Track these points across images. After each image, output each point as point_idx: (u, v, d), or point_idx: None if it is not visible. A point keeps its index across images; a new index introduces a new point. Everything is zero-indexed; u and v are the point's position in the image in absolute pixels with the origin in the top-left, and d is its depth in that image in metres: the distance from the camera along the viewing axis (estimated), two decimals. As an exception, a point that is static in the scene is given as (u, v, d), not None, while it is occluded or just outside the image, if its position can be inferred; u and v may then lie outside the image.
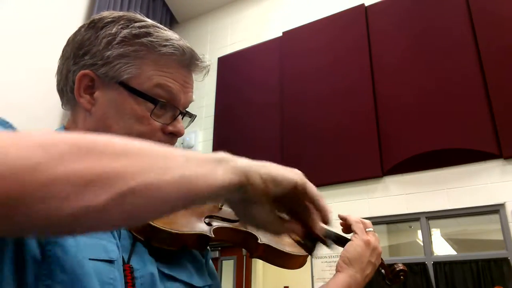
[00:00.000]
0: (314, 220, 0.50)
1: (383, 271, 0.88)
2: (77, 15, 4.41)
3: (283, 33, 4.97)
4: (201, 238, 0.65)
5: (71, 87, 0.66)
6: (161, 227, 0.61)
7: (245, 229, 0.71)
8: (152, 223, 0.61)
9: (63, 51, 0.69)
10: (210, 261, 0.77)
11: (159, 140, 0.65)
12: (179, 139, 0.70)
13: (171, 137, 0.68)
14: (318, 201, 0.49)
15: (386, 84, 4.07)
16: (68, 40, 0.70)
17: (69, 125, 0.69)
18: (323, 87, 4.37)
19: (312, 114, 4.33)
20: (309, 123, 4.30)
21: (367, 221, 0.85)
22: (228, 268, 4.54)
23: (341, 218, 0.86)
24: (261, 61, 4.92)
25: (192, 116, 0.74)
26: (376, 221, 3.83)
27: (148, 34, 0.65)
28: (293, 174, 0.47)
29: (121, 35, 0.64)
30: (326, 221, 0.51)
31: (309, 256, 0.79)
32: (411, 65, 3.98)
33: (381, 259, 0.85)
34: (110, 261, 0.54)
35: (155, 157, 0.37)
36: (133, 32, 0.65)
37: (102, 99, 0.64)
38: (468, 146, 3.49)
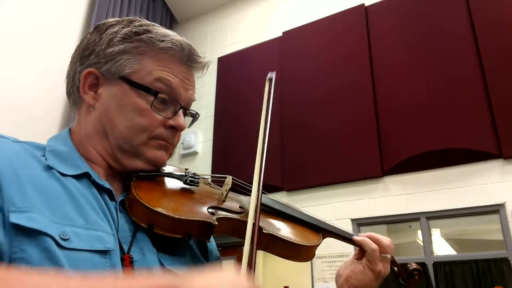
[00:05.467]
0: None
1: (396, 269, 0.87)
2: (77, 15, 4.41)
3: (283, 33, 4.98)
4: (204, 225, 0.65)
5: (77, 86, 0.69)
6: (164, 212, 0.61)
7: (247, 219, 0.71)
8: (155, 208, 0.61)
9: (71, 57, 0.73)
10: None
11: (160, 134, 0.68)
12: (179, 141, 0.72)
13: (172, 131, 0.69)
14: None
15: (386, 84, 4.07)
16: (76, 47, 0.73)
17: (74, 127, 0.72)
18: (323, 87, 4.37)
19: (312, 114, 4.33)
20: (309, 123, 4.30)
21: (386, 243, 0.82)
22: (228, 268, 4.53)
23: (357, 242, 0.83)
24: (261, 61, 4.91)
25: (194, 116, 0.76)
26: (376, 221, 3.84)
27: (147, 31, 0.68)
28: None
29: (122, 33, 0.67)
30: None
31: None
32: (411, 65, 3.98)
33: (393, 258, 0.84)
34: (105, 252, 0.55)
35: None
36: (133, 30, 0.68)
37: (105, 94, 0.67)
38: (468, 146, 3.49)
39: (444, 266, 3.46)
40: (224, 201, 0.75)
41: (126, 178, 0.69)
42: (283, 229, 0.77)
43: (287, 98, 4.53)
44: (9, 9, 3.60)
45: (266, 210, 0.80)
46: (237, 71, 5.06)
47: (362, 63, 4.25)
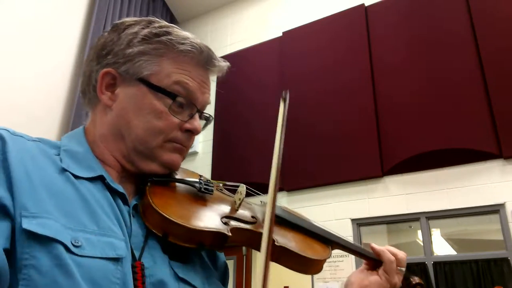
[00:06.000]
0: None
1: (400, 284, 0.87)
2: (77, 15, 4.40)
3: (283, 33, 4.98)
4: (218, 236, 0.65)
5: (94, 85, 0.68)
6: (179, 222, 0.61)
7: (261, 231, 0.70)
8: (171, 218, 0.61)
9: (87, 55, 0.72)
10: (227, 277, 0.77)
11: (176, 137, 0.67)
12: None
13: (188, 134, 0.69)
14: None
15: (386, 84, 4.07)
16: (92, 45, 0.73)
17: (88, 126, 0.71)
18: (323, 87, 4.37)
19: (312, 114, 4.33)
20: (309, 123, 4.30)
21: (402, 257, 0.83)
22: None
23: (375, 250, 0.85)
24: (261, 61, 4.92)
25: (208, 119, 0.75)
26: (376, 221, 3.84)
27: (167, 33, 0.68)
28: None
29: (141, 34, 0.67)
30: None
31: None
32: (411, 65, 3.98)
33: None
34: (117, 259, 0.54)
35: None
36: (153, 31, 0.67)
37: (123, 95, 0.67)
38: (468, 146, 3.49)
39: (444, 266, 3.46)
40: (237, 210, 0.74)
41: (139, 180, 0.68)
42: (295, 242, 0.77)
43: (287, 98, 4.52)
44: (9, 9, 3.60)
45: (278, 221, 0.80)
46: (237, 71, 5.04)
47: (362, 63, 4.25)
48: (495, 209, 3.38)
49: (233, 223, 0.69)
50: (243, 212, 0.74)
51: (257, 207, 0.80)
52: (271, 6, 5.35)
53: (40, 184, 0.54)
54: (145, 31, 0.67)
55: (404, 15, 4.22)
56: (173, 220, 0.61)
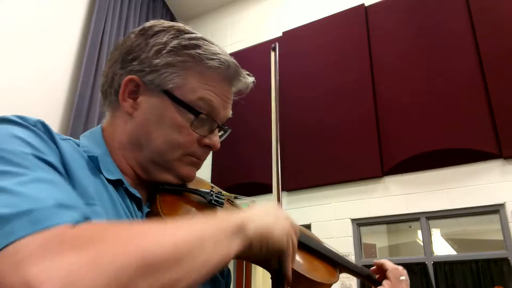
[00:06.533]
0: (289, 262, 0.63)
1: None
2: (77, 15, 4.41)
3: (283, 33, 4.98)
4: None
5: (116, 90, 0.67)
6: None
7: None
8: None
9: (110, 55, 0.70)
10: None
11: (195, 152, 0.67)
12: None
13: (206, 149, 0.69)
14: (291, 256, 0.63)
15: (386, 84, 4.07)
16: (117, 45, 0.71)
17: (106, 126, 0.70)
18: (323, 87, 4.37)
19: (312, 114, 4.33)
20: (309, 123, 4.30)
21: (401, 268, 0.88)
22: (228, 268, 4.53)
23: (377, 264, 0.89)
24: (261, 61, 4.90)
25: (226, 131, 0.75)
26: (376, 221, 3.84)
27: (197, 46, 0.66)
28: (283, 238, 0.58)
29: (171, 44, 0.65)
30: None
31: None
32: (411, 65, 3.98)
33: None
34: None
35: (193, 253, 0.43)
36: (183, 43, 0.66)
37: (145, 105, 0.66)
38: (468, 146, 3.49)
39: (444, 266, 3.46)
40: None
41: (150, 187, 0.68)
42: (305, 264, 0.75)
43: (287, 98, 4.53)
44: (9, 10, 3.60)
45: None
46: (237, 71, 5.05)
47: (362, 63, 4.25)
48: (495, 209, 3.38)
49: None
50: None
51: None
52: (271, 6, 5.35)
53: (84, 178, 0.54)
54: (175, 42, 0.66)
55: (404, 15, 4.22)
56: None
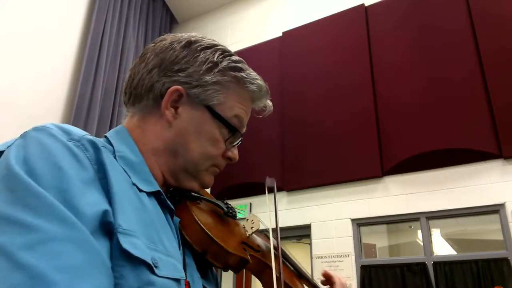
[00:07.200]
0: None
1: None
2: (77, 15, 4.41)
3: (283, 33, 4.98)
4: (243, 260, 0.69)
5: (157, 96, 0.68)
6: (220, 243, 0.64)
7: (264, 260, 0.75)
8: (214, 237, 0.64)
9: (146, 59, 0.71)
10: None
11: (219, 163, 0.73)
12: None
13: (227, 160, 0.74)
14: None
15: (386, 84, 4.07)
16: (154, 49, 0.71)
17: (132, 128, 0.69)
18: (323, 87, 4.38)
19: (312, 114, 4.33)
20: (309, 123, 4.31)
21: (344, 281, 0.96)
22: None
23: (326, 276, 0.98)
24: (261, 61, 4.92)
25: (240, 141, 0.79)
26: (376, 221, 3.84)
27: (242, 70, 0.73)
28: None
29: (221, 65, 0.70)
30: None
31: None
32: (411, 65, 3.98)
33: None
34: (179, 280, 0.55)
35: None
36: (231, 65, 0.71)
37: (186, 116, 0.68)
38: (468, 146, 3.49)
39: (444, 266, 3.46)
40: (248, 237, 0.78)
41: (171, 192, 0.71)
42: (295, 279, 0.83)
43: (287, 98, 4.53)
44: (9, 10, 3.60)
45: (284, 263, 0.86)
46: (237, 71, 5.05)
47: (362, 63, 4.25)
48: (495, 209, 3.38)
49: (249, 249, 0.73)
50: (253, 240, 0.79)
51: (258, 238, 0.84)
52: (271, 6, 5.36)
53: (124, 197, 0.52)
54: (224, 63, 0.70)
55: (404, 15, 4.22)
56: (216, 240, 0.64)
